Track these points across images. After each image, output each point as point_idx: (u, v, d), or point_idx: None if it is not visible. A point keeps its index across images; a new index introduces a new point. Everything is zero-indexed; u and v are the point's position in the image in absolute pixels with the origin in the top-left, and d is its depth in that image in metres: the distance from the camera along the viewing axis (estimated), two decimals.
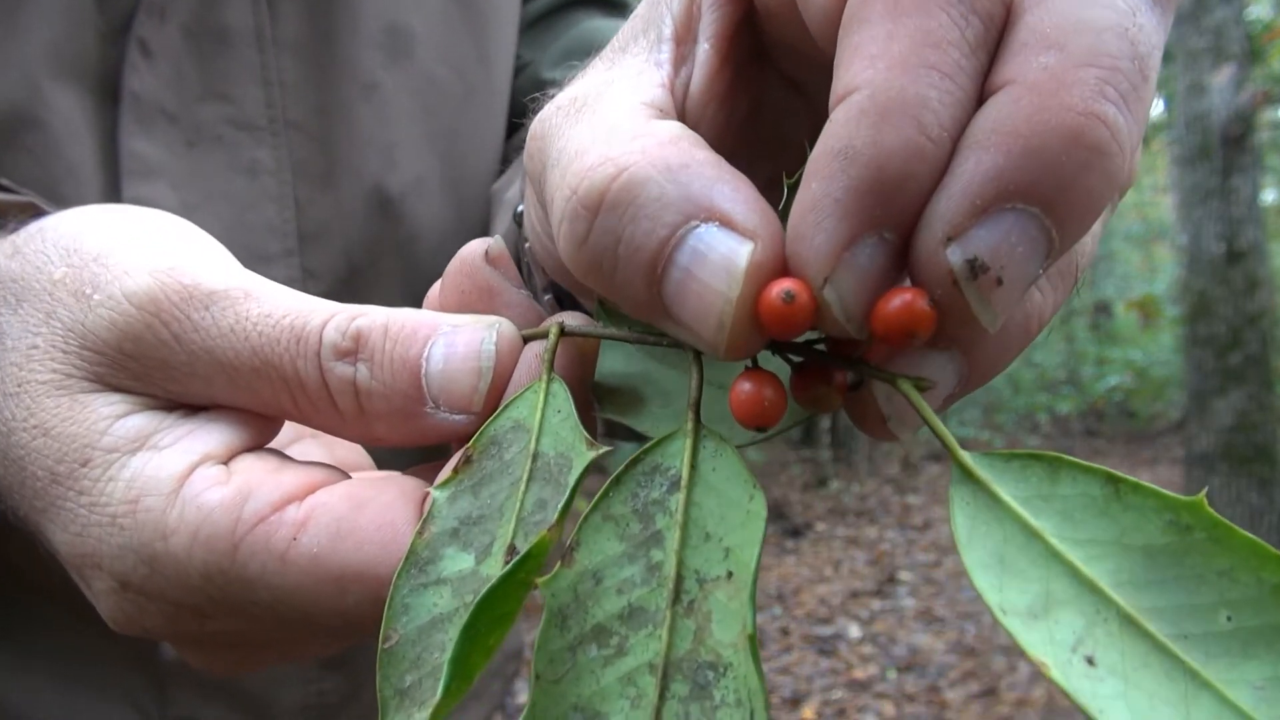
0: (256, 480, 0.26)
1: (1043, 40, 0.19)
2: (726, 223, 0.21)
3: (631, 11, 0.71)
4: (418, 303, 0.60)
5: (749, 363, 0.23)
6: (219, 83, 0.53)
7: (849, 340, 0.23)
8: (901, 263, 0.20)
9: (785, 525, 5.34)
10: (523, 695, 3.27)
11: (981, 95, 0.20)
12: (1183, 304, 3.66)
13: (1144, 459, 7.58)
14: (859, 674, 3.42)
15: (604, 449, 0.23)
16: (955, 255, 0.19)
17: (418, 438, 0.28)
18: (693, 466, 0.22)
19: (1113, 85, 0.18)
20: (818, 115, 0.23)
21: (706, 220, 0.21)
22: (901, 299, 0.20)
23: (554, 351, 0.26)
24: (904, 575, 4.64)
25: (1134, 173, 0.21)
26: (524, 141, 0.67)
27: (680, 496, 0.21)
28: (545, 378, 0.26)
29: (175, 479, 0.26)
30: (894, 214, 0.19)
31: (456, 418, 0.27)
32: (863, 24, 0.20)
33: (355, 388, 0.27)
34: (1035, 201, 0.18)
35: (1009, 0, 0.20)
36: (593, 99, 0.24)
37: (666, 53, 0.25)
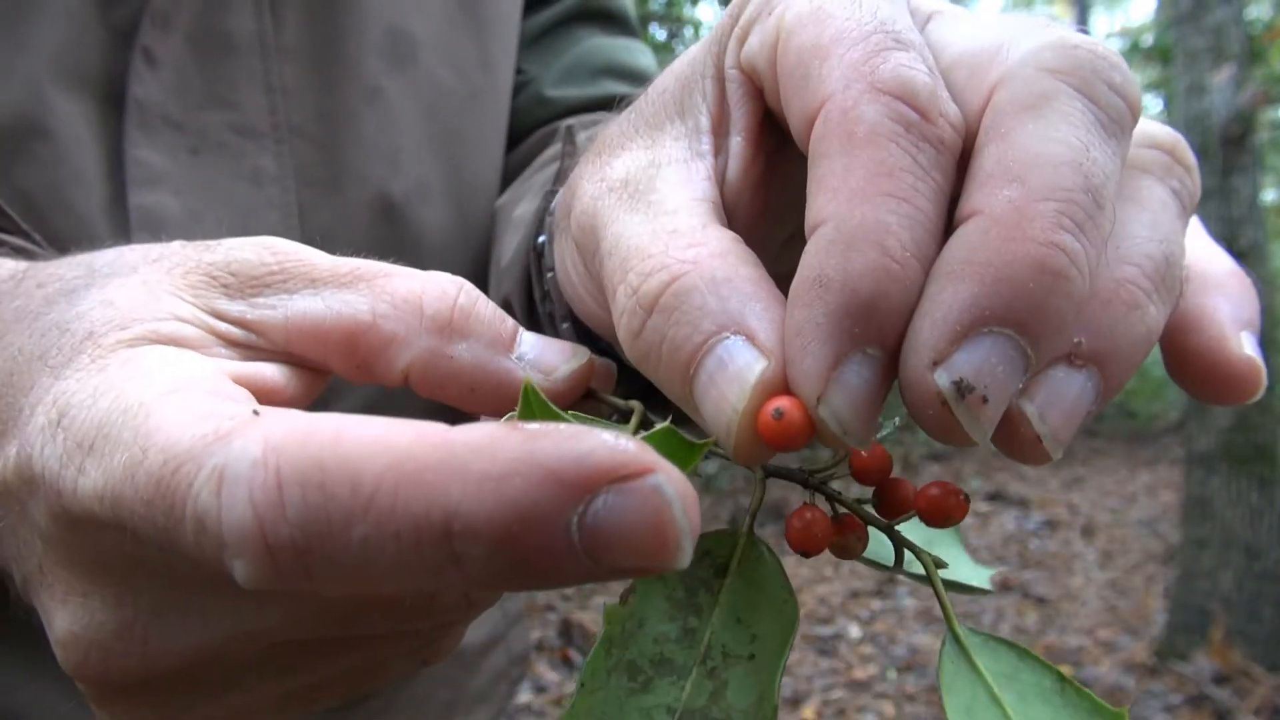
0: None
1: (1005, 173, 0.21)
2: (751, 339, 0.23)
3: (631, 26, 0.72)
4: None
5: (807, 496, 0.27)
6: (223, 89, 0.54)
7: (894, 502, 0.26)
8: (889, 376, 0.22)
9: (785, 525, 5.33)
10: (523, 696, 3.27)
11: (951, 219, 0.22)
12: None
13: (1144, 459, 7.57)
14: (859, 674, 3.42)
15: (706, 441, 0.25)
16: (943, 378, 0.21)
17: (491, 386, 0.27)
18: (740, 562, 0.25)
19: (1069, 216, 0.21)
20: None
21: (736, 333, 0.23)
22: (938, 489, 0.25)
23: (639, 425, 0.28)
24: (904, 575, 4.63)
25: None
26: (528, 156, 0.67)
27: (722, 582, 0.25)
28: (635, 426, 0.28)
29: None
30: (873, 332, 0.21)
31: (539, 377, 0.28)
32: (822, 158, 0.23)
33: (454, 305, 0.28)
34: (1010, 324, 0.21)
35: (964, 126, 0.23)
36: (644, 187, 0.27)
37: (707, 145, 0.28)
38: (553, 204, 0.42)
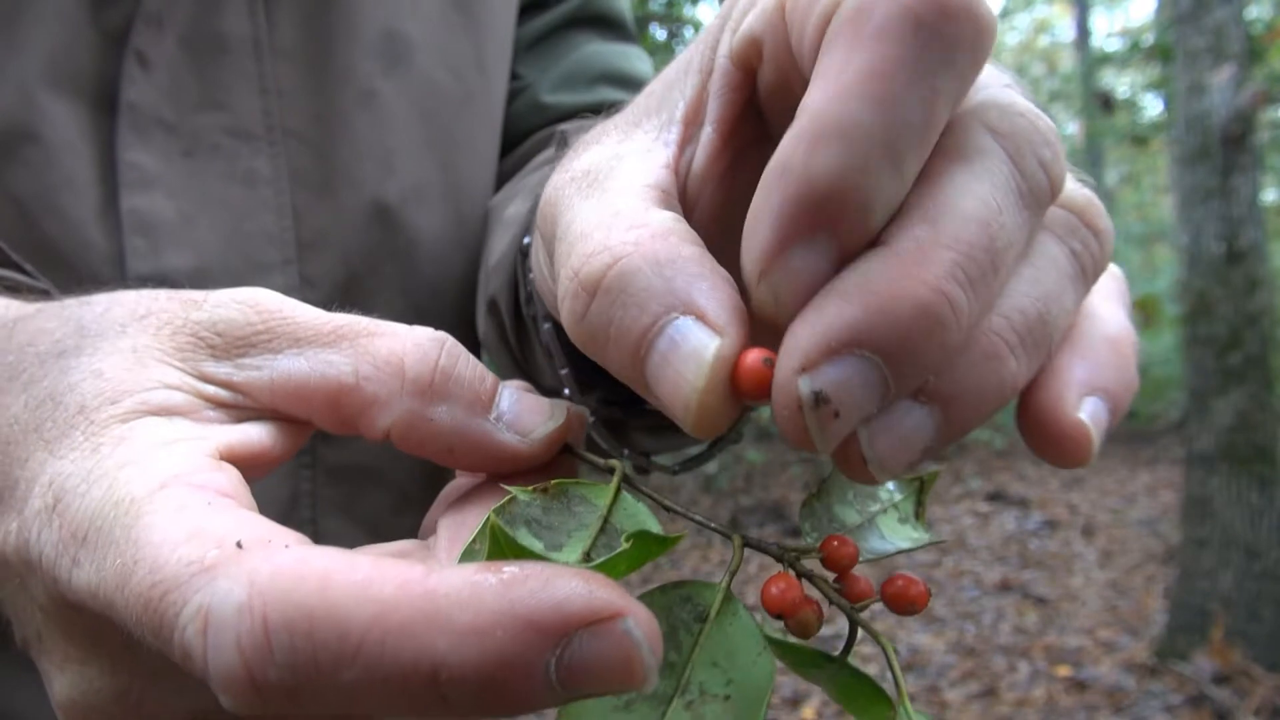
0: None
1: (923, 214, 0.22)
2: (701, 317, 0.23)
3: (628, 31, 0.72)
4: (417, 310, 0.61)
5: (784, 567, 0.28)
6: (216, 92, 0.53)
7: (857, 592, 0.28)
8: (834, 267, 0.22)
9: (785, 525, 5.34)
10: None
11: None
12: (1183, 304, 3.65)
13: (1144, 459, 7.57)
14: None
15: (677, 537, 0.26)
16: (805, 386, 0.22)
17: (469, 447, 0.28)
18: (718, 614, 0.26)
19: (963, 269, 0.22)
20: None
21: (685, 313, 0.24)
22: (902, 582, 0.27)
23: (619, 485, 0.29)
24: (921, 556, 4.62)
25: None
26: (522, 160, 0.67)
27: (702, 627, 0.25)
28: (615, 487, 0.28)
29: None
30: (822, 222, 0.22)
31: (515, 438, 0.28)
32: (823, 55, 0.23)
33: (435, 367, 0.28)
34: (879, 353, 0.21)
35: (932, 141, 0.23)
36: (603, 175, 0.27)
37: (675, 134, 0.28)
38: (533, 224, 0.43)
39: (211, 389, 0.28)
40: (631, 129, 0.30)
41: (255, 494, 0.56)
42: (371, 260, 0.58)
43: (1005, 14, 12.96)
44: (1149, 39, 7.68)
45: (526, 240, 0.43)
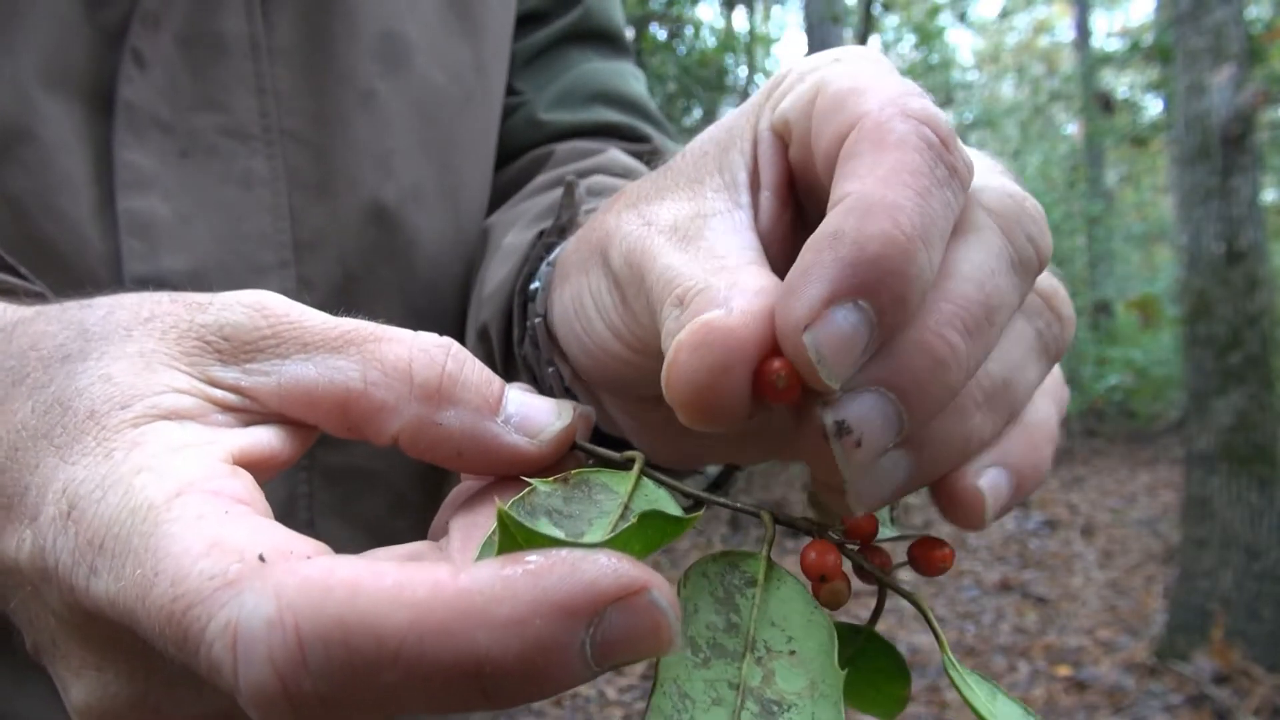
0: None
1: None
2: (728, 305, 0.26)
3: (624, 45, 0.73)
4: (415, 312, 0.61)
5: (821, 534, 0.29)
6: (213, 92, 0.53)
7: (879, 561, 0.30)
8: (873, 335, 0.24)
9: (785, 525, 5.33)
10: None
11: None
12: (1183, 304, 3.65)
13: (1144, 459, 7.57)
14: None
15: (695, 515, 0.27)
16: (829, 417, 0.24)
17: (478, 451, 0.28)
18: (765, 579, 0.28)
19: (961, 320, 0.25)
20: None
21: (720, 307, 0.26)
22: (929, 543, 0.29)
23: (640, 472, 0.30)
24: (903, 575, 4.62)
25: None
26: (519, 177, 0.67)
27: (754, 590, 0.27)
28: (636, 474, 0.29)
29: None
30: (870, 287, 0.24)
31: (523, 440, 0.29)
32: (852, 157, 0.26)
33: (443, 372, 0.29)
34: (894, 391, 0.24)
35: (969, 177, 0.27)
36: (693, 233, 0.29)
37: (746, 198, 0.30)
38: (552, 255, 0.44)
39: (220, 393, 0.28)
40: (696, 186, 0.31)
41: None
42: (369, 261, 0.58)
43: (1005, 14, 12.95)
44: (1149, 39, 7.67)
45: (534, 286, 0.44)
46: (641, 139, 0.68)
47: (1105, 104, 9.61)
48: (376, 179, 0.58)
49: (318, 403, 0.28)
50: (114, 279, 0.51)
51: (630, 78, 0.70)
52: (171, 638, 0.22)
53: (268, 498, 0.56)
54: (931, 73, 11.14)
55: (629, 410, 0.39)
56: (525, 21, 0.68)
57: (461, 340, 0.64)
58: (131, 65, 0.51)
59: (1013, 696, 0.29)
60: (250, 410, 0.28)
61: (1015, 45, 15.00)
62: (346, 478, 0.60)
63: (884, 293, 0.24)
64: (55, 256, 0.50)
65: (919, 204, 0.24)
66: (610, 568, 0.20)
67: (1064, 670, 3.42)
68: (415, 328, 0.60)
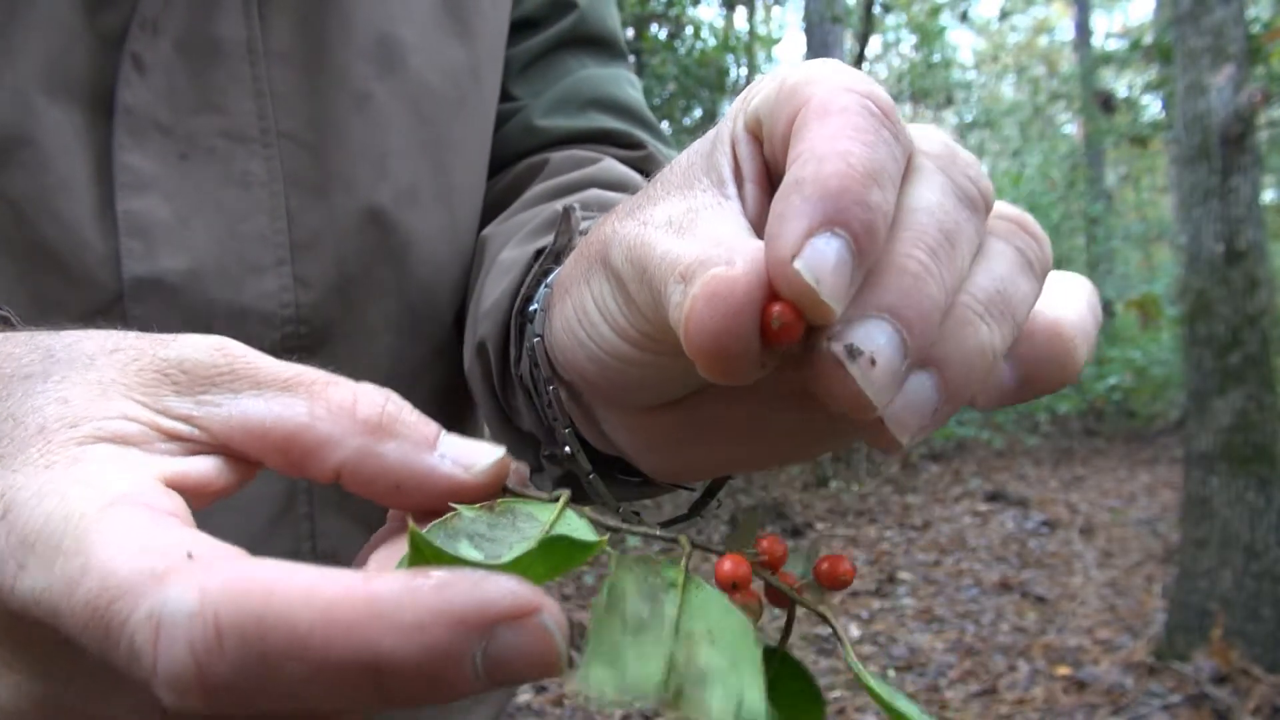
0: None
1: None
2: (730, 263, 0.27)
3: (620, 50, 0.73)
4: (411, 311, 0.61)
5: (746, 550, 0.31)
6: (211, 95, 0.54)
7: (788, 584, 0.32)
8: (855, 262, 0.26)
9: (785, 525, 5.34)
10: (523, 696, 3.27)
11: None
12: (1182, 304, 3.65)
13: (1143, 459, 7.57)
14: None
15: (601, 540, 0.28)
16: (836, 345, 0.26)
17: (416, 480, 0.29)
18: (684, 584, 0.29)
19: (922, 242, 0.28)
20: None
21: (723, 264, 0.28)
22: (828, 563, 0.31)
23: (565, 503, 0.31)
24: (904, 575, 4.63)
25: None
26: (514, 185, 0.69)
27: (676, 590, 0.28)
28: (561, 505, 0.31)
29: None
30: (839, 216, 0.26)
31: (460, 470, 0.30)
32: (800, 130, 0.28)
33: (383, 410, 0.30)
34: (886, 311, 0.27)
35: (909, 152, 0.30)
36: (687, 224, 0.31)
37: (733, 191, 0.32)
38: (549, 279, 0.45)
39: (170, 423, 0.29)
40: (686, 189, 0.33)
41: (252, 493, 0.56)
42: (365, 262, 0.59)
43: (1005, 14, 12.96)
44: (1149, 39, 7.68)
45: (534, 308, 0.45)
46: (637, 145, 0.68)
47: (1106, 103, 9.61)
48: (372, 180, 0.58)
49: (266, 434, 0.29)
50: (113, 279, 0.51)
51: (626, 83, 0.71)
52: (94, 630, 0.23)
53: (267, 493, 0.57)
54: (931, 73, 11.14)
55: (629, 424, 0.39)
56: (520, 28, 0.69)
57: (458, 347, 0.65)
58: (131, 70, 0.51)
59: (913, 701, 0.30)
60: (196, 440, 0.29)
61: (1015, 45, 15.01)
62: None
63: (853, 221, 0.26)
64: (55, 258, 0.51)
65: (866, 150, 0.27)
66: (508, 588, 0.22)
67: (1063, 670, 3.43)
68: (412, 327, 0.62)
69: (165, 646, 0.22)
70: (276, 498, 0.57)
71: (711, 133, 0.35)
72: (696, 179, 0.33)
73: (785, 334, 0.26)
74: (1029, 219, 0.32)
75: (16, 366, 0.30)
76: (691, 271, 0.28)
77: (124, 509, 0.25)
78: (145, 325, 0.52)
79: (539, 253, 0.50)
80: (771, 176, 0.33)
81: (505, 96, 0.68)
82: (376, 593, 0.22)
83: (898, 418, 0.28)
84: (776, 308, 0.26)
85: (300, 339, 0.57)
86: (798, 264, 0.26)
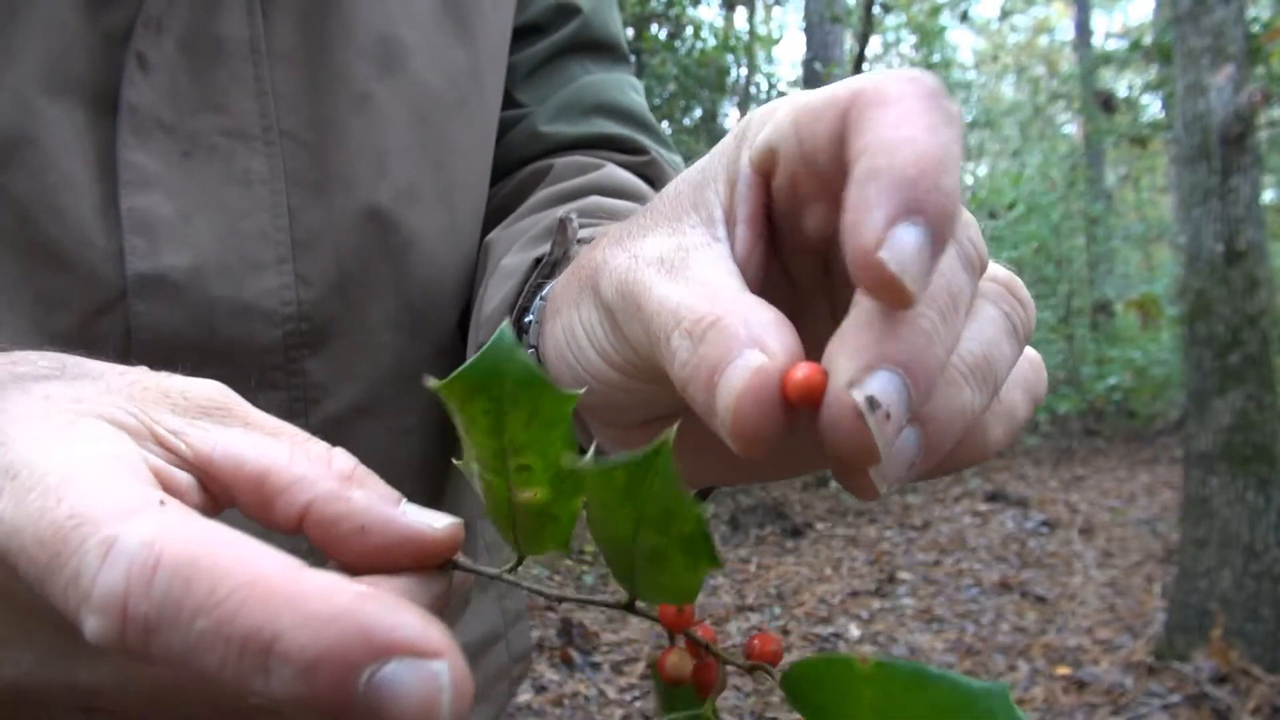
0: None
1: None
2: (764, 349, 0.28)
3: (622, 53, 0.74)
4: (410, 309, 0.62)
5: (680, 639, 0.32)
6: (214, 94, 0.54)
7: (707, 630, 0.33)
8: (933, 248, 0.26)
9: (785, 525, 5.34)
10: (523, 696, 3.27)
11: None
12: (1182, 304, 3.66)
13: (1143, 459, 7.58)
14: None
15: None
16: (859, 394, 0.26)
17: (381, 524, 0.30)
18: None
19: (935, 309, 0.28)
20: (813, 269, 0.35)
21: (752, 348, 0.28)
22: (759, 640, 0.31)
23: (518, 562, 0.34)
24: (903, 575, 4.64)
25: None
26: (518, 191, 0.68)
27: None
28: (515, 562, 0.33)
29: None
30: (919, 204, 0.26)
31: (424, 523, 0.31)
32: (857, 120, 0.28)
33: (355, 465, 0.32)
34: (901, 366, 0.27)
35: None
36: (679, 264, 0.32)
37: (722, 233, 0.33)
38: (544, 291, 0.46)
39: (162, 430, 0.30)
40: (675, 223, 0.34)
41: None
42: (365, 260, 0.59)
43: (1005, 14, 12.96)
44: (1149, 39, 7.68)
45: (529, 319, 0.47)
46: (640, 151, 0.69)
47: (1106, 103, 9.62)
48: (372, 179, 0.59)
49: (244, 464, 0.30)
50: (117, 276, 0.52)
51: (628, 88, 0.72)
52: (49, 550, 0.23)
53: None
54: (931, 72, 11.11)
55: (619, 438, 0.41)
56: (525, 34, 0.69)
57: (460, 347, 0.66)
58: (135, 68, 0.52)
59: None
60: (180, 455, 0.30)
61: (1015, 45, 15.01)
62: None
63: (930, 207, 0.26)
64: (59, 256, 0.51)
65: (933, 138, 0.27)
66: (419, 624, 0.22)
67: (1063, 670, 3.43)
68: (412, 325, 0.62)
69: (109, 565, 0.23)
70: None
71: (702, 164, 0.35)
72: (685, 213, 0.34)
73: (810, 399, 0.27)
74: (1018, 283, 0.33)
75: (31, 368, 0.31)
76: (701, 331, 0.29)
77: (112, 465, 0.26)
78: (148, 322, 0.53)
79: (538, 261, 0.51)
80: (772, 215, 0.34)
81: (510, 102, 0.69)
82: (302, 578, 0.22)
83: (884, 469, 0.28)
84: (800, 373, 0.27)
85: (301, 336, 0.57)
86: (883, 254, 0.26)
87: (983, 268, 0.32)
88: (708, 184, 0.34)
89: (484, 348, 0.29)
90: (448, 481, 0.69)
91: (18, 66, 0.49)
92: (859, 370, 0.27)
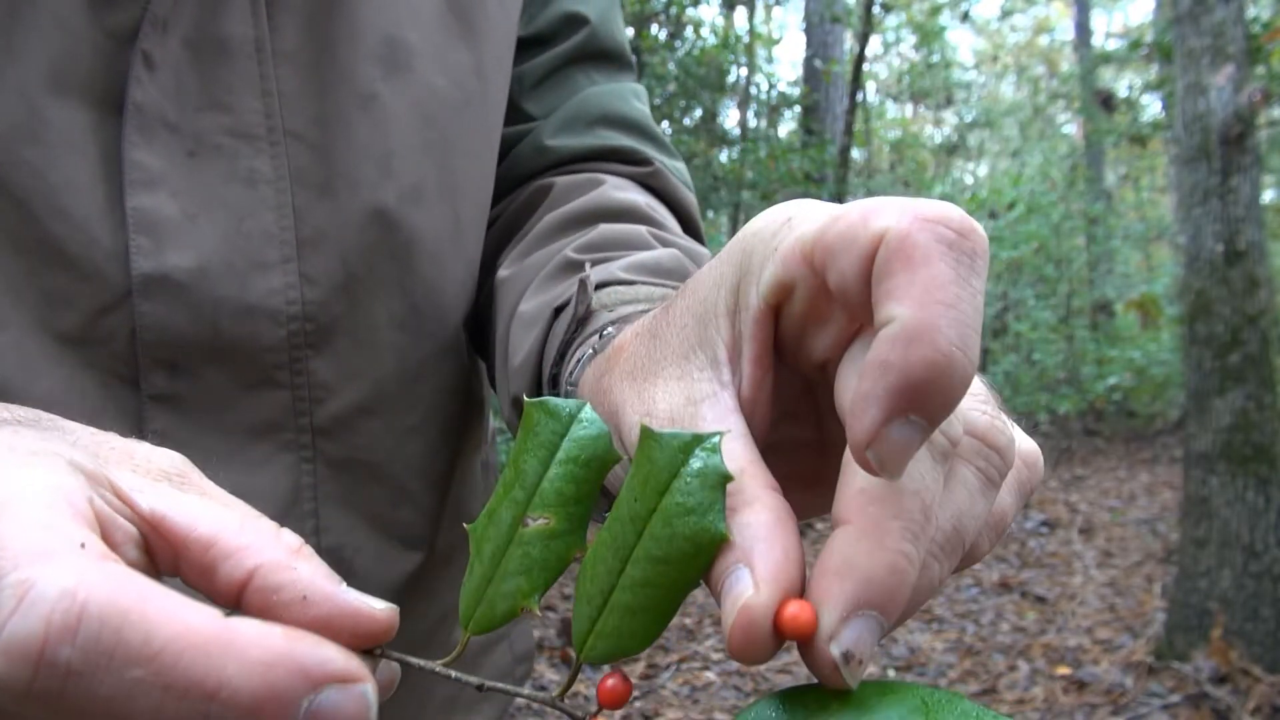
0: None
1: (873, 496, 0.30)
2: (751, 569, 0.30)
3: (626, 61, 0.75)
4: (414, 308, 0.62)
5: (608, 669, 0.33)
6: (219, 93, 0.54)
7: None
8: (924, 438, 0.28)
9: None
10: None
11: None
12: (1182, 304, 3.66)
13: (1143, 459, 7.58)
14: None
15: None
16: (836, 651, 0.29)
17: (323, 596, 0.31)
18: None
19: (909, 530, 0.29)
20: (819, 405, 0.37)
21: (745, 565, 0.30)
22: (611, 681, 0.32)
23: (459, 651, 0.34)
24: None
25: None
26: (521, 211, 0.69)
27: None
28: (456, 652, 0.34)
29: None
30: (917, 405, 0.27)
31: (362, 603, 0.31)
32: (887, 276, 0.29)
33: (302, 542, 0.33)
34: (874, 608, 0.29)
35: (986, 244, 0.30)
36: (689, 422, 0.34)
37: (728, 375, 0.35)
38: (575, 353, 0.50)
39: (120, 484, 0.31)
40: (684, 363, 0.36)
41: (258, 488, 0.57)
42: (370, 259, 0.59)
43: (1005, 14, 12.96)
44: (1149, 39, 7.68)
45: (570, 385, 0.49)
46: (643, 161, 0.70)
47: (1106, 102, 9.62)
48: (377, 179, 0.59)
49: (195, 525, 0.31)
50: (122, 275, 0.52)
51: (632, 97, 0.73)
52: None
53: (273, 489, 0.58)
54: (931, 72, 11.14)
55: None
56: (532, 44, 0.70)
57: (464, 346, 0.66)
58: (141, 68, 0.52)
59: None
60: (135, 509, 0.31)
61: (1015, 45, 15.00)
62: (350, 468, 0.61)
63: (929, 406, 0.28)
64: (63, 255, 0.51)
65: (953, 317, 0.28)
66: (344, 655, 0.26)
67: (1063, 670, 3.43)
68: (416, 324, 0.63)
69: (24, 610, 0.24)
70: (282, 493, 0.58)
71: (702, 294, 0.36)
72: (692, 352, 0.36)
73: (798, 636, 0.30)
74: (994, 429, 0.34)
75: (9, 415, 0.33)
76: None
77: (49, 496, 0.27)
78: (153, 321, 0.53)
79: (558, 310, 0.55)
80: (781, 347, 0.35)
81: (517, 112, 0.70)
82: (234, 627, 0.25)
83: (851, 671, 0.30)
84: (790, 612, 0.29)
85: (306, 335, 0.57)
86: (869, 453, 0.28)
87: (955, 442, 0.32)
88: (709, 320, 0.36)
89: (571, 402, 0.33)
90: (451, 482, 0.69)
91: (22, 66, 0.49)
92: (837, 623, 0.29)
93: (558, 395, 0.52)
